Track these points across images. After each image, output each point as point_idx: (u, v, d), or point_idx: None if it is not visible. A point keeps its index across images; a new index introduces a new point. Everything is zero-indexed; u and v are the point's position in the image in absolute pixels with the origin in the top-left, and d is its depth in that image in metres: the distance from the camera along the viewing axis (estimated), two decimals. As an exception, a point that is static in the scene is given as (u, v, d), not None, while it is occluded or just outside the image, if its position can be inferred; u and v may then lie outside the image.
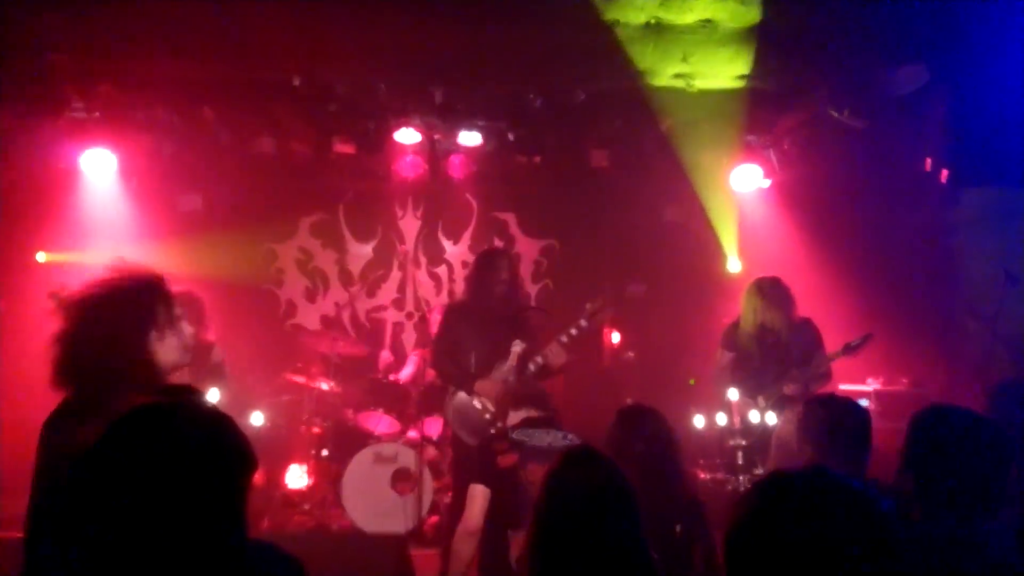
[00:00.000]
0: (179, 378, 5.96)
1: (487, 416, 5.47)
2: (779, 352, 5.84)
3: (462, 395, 5.64)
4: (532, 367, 5.55)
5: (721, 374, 6.06)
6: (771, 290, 5.87)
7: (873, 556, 1.34)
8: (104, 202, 7.47)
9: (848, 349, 5.69)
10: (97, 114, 6.72)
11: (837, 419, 3.22)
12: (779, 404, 5.68)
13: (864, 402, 6.14)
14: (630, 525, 2.41)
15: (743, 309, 5.98)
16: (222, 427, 1.56)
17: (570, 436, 4.12)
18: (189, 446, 1.48)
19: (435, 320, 7.49)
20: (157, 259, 6.98)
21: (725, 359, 6.08)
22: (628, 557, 2.36)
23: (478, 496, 4.07)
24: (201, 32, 5.96)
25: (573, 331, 5.56)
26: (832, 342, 5.87)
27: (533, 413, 4.30)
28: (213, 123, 7.33)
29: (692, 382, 7.31)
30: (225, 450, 1.52)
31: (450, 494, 6.77)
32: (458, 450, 5.70)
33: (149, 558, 1.41)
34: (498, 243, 8.68)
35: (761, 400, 5.79)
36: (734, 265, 8.00)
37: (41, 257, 7.48)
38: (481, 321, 5.68)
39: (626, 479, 2.50)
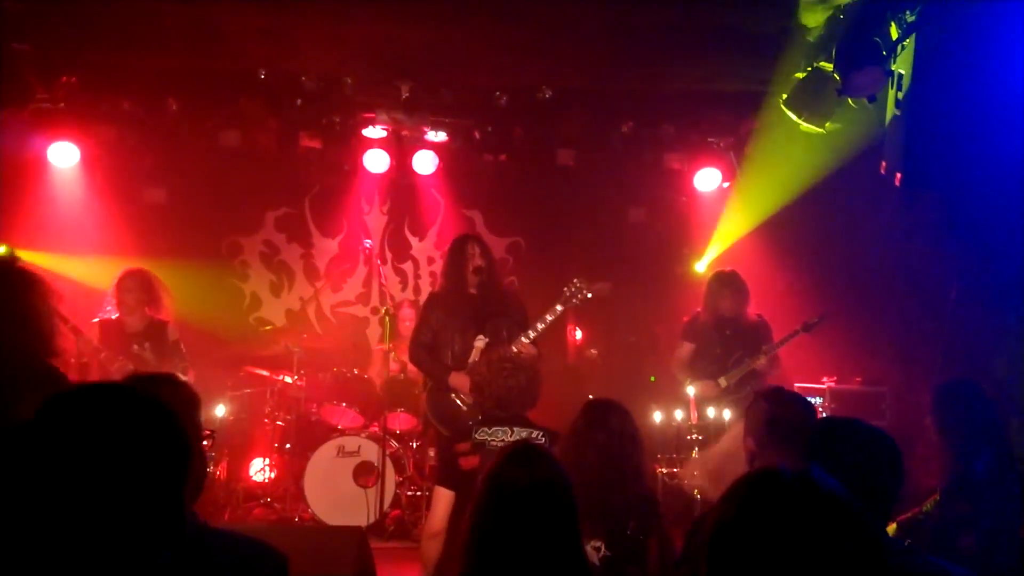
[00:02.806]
0: (142, 356, 5.95)
1: (464, 409, 5.41)
2: (739, 339, 6.14)
3: (439, 388, 5.62)
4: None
5: (681, 366, 6.30)
6: (732, 282, 6.20)
7: (858, 563, 1.35)
8: (68, 194, 7.41)
9: (806, 327, 6.06)
10: (62, 105, 6.66)
11: (778, 412, 3.26)
12: (742, 383, 6.02)
13: (818, 400, 6.29)
14: (567, 524, 2.41)
15: (705, 300, 6.28)
16: (154, 414, 1.52)
17: (536, 433, 4.11)
18: (115, 429, 1.45)
19: (403, 316, 7.53)
20: (120, 252, 7.02)
21: (685, 351, 6.33)
22: (562, 556, 2.37)
23: (442, 498, 4.04)
24: (166, 24, 5.93)
25: (549, 317, 5.57)
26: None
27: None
28: (178, 115, 7.29)
29: (653, 379, 7.40)
30: (155, 437, 1.49)
31: (413, 488, 6.83)
32: (439, 444, 5.61)
33: (70, 541, 1.39)
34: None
35: (723, 380, 6.06)
36: (701, 265, 8.12)
37: (2, 250, 7.39)
38: (460, 311, 5.62)
39: (567, 478, 2.49)
